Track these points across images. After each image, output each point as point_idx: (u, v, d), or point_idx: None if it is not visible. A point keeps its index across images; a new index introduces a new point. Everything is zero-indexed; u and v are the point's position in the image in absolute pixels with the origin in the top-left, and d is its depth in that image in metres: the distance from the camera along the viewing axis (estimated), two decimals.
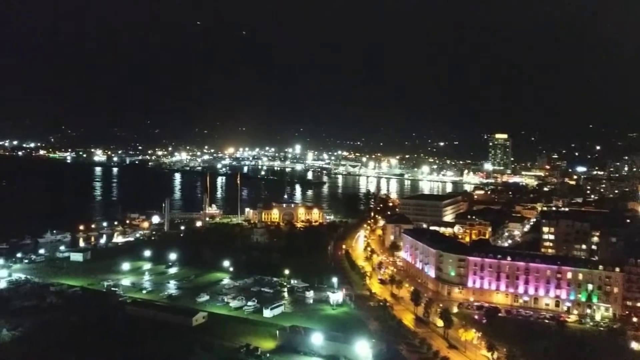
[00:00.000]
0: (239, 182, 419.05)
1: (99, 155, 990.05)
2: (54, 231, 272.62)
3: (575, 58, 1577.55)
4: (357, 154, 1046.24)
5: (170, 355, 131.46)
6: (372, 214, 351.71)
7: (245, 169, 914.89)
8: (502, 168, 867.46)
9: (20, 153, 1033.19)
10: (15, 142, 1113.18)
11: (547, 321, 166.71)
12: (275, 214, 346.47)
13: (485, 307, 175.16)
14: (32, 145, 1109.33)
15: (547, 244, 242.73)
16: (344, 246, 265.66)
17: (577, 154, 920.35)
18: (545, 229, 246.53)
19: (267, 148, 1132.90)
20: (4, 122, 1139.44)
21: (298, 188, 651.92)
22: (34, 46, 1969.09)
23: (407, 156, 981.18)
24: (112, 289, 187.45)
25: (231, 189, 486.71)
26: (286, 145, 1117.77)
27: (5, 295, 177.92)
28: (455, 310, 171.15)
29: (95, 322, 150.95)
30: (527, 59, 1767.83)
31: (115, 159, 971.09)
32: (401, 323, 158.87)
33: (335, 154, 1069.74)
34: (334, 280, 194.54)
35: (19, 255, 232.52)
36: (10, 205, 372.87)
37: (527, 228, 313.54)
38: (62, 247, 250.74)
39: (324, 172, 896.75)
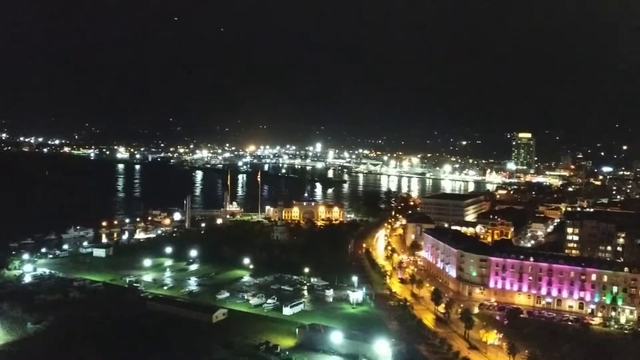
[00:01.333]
0: (259, 180, 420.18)
1: (122, 152, 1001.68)
2: (78, 227, 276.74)
3: (601, 55, 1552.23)
4: (378, 153, 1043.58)
5: (190, 351, 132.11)
6: (393, 213, 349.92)
7: (266, 167, 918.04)
8: (525, 168, 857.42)
9: (45, 150, 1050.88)
10: (40, 139, 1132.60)
11: (570, 323, 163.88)
12: (295, 212, 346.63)
13: (507, 308, 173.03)
14: (57, 142, 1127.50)
15: (571, 245, 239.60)
16: (364, 245, 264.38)
17: (602, 153, 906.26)
18: (570, 230, 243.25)
19: (287, 146, 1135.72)
20: (29, 120, 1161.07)
21: (319, 186, 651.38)
22: (58, 45, 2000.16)
23: (428, 155, 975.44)
24: (134, 284, 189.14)
25: (252, 187, 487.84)
26: (307, 144, 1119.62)
27: (30, 289, 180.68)
28: (476, 310, 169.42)
29: (117, 317, 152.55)
30: (552, 57, 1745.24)
31: (137, 156, 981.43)
32: (421, 323, 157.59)
33: (357, 152, 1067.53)
34: (354, 279, 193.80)
35: (43, 250, 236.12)
36: (35, 201, 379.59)
37: (550, 229, 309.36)
38: (85, 243, 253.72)
39: (345, 170, 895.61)
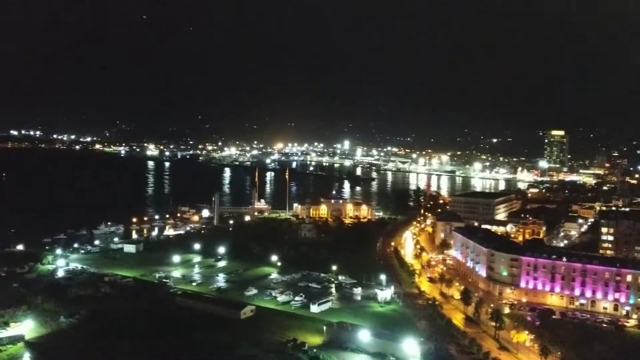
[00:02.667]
0: (287, 177, 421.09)
1: (152, 150, 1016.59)
2: (109, 223, 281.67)
3: (638, 52, 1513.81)
4: (407, 150, 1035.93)
5: (218, 347, 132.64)
6: (422, 211, 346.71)
7: (294, 164, 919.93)
8: (558, 166, 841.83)
9: (77, 147, 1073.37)
10: (72, 137, 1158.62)
11: (604, 325, 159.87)
12: (323, 210, 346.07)
13: (539, 308, 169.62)
14: (89, 139, 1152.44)
15: (605, 245, 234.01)
16: (392, 243, 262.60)
17: (638, 151, 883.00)
18: (604, 230, 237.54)
19: (315, 144, 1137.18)
20: (62, 118, 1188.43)
21: (347, 184, 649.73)
22: (90, 44, 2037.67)
23: (458, 153, 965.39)
24: (163, 280, 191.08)
25: (280, 184, 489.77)
26: (335, 141, 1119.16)
27: (63, 283, 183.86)
28: (506, 310, 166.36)
29: (147, 312, 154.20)
30: (585, 54, 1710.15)
31: (167, 153, 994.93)
32: (450, 322, 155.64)
33: (385, 150, 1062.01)
34: (382, 277, 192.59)
35: (75, 245, 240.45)
36: (67, 197, 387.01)
37: (584, 228, 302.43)
38: (115, 239, 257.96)
39: (373, 168, 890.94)
